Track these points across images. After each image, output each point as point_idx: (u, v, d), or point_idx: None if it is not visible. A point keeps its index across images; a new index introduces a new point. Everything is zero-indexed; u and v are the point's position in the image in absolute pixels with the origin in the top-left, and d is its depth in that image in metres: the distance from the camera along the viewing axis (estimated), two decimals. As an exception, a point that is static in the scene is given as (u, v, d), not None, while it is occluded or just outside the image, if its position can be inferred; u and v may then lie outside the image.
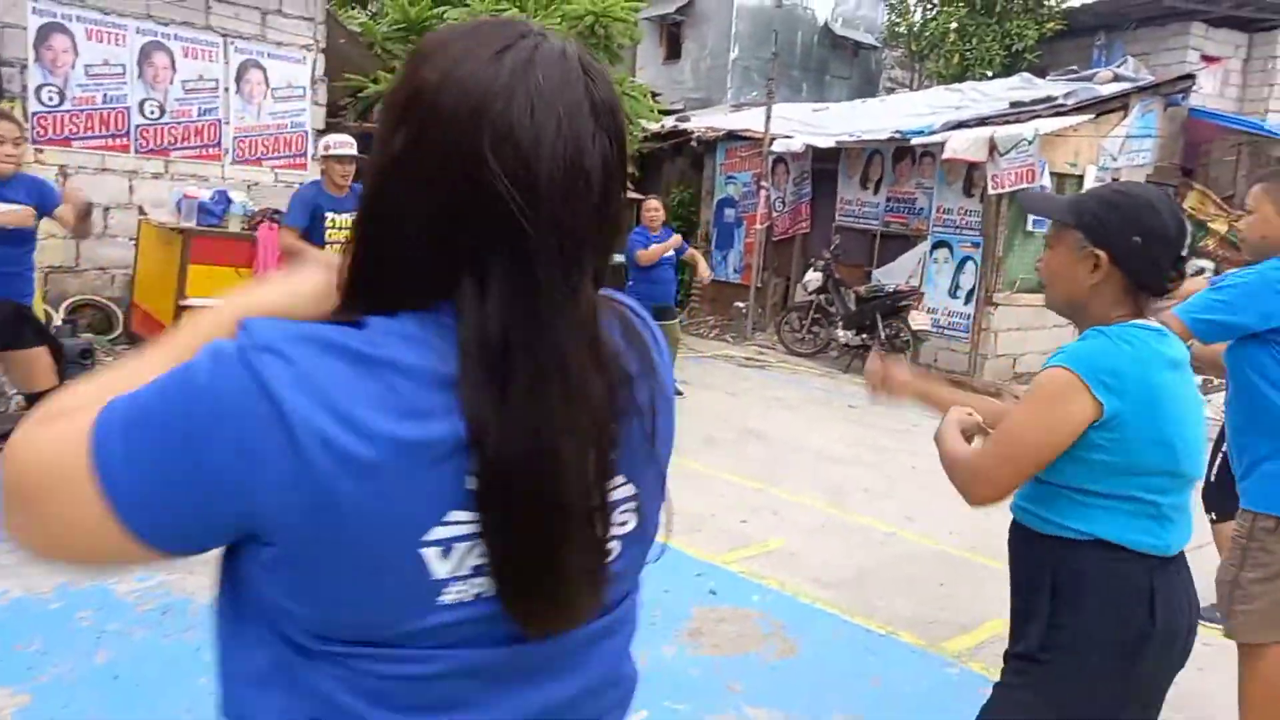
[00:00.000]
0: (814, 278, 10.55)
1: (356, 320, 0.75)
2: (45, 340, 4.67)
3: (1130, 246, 1.72)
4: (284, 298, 0.81)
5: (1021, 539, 1.85)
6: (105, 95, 7.63)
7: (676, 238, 7.63)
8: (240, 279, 6.71)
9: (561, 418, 0.73)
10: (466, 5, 9.61)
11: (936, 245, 10.38)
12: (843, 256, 10.71)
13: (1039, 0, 14.45)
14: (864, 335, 9.91)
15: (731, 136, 12.82)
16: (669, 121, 13.64)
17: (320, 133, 8.25)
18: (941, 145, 9.76)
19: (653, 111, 11.33)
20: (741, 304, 11.94)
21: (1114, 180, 8.53)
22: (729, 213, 13.03)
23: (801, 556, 4.56)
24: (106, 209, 7.71)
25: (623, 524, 0.83)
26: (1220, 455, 3.78)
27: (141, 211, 7.75)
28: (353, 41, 9.81)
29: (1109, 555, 1.71)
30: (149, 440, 0.70)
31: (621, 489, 0.82)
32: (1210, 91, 12.40)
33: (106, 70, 7.61)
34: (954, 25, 15.17)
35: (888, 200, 10.93)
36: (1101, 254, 1.74)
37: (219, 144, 8.24)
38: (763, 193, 11.68)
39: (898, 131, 10.52)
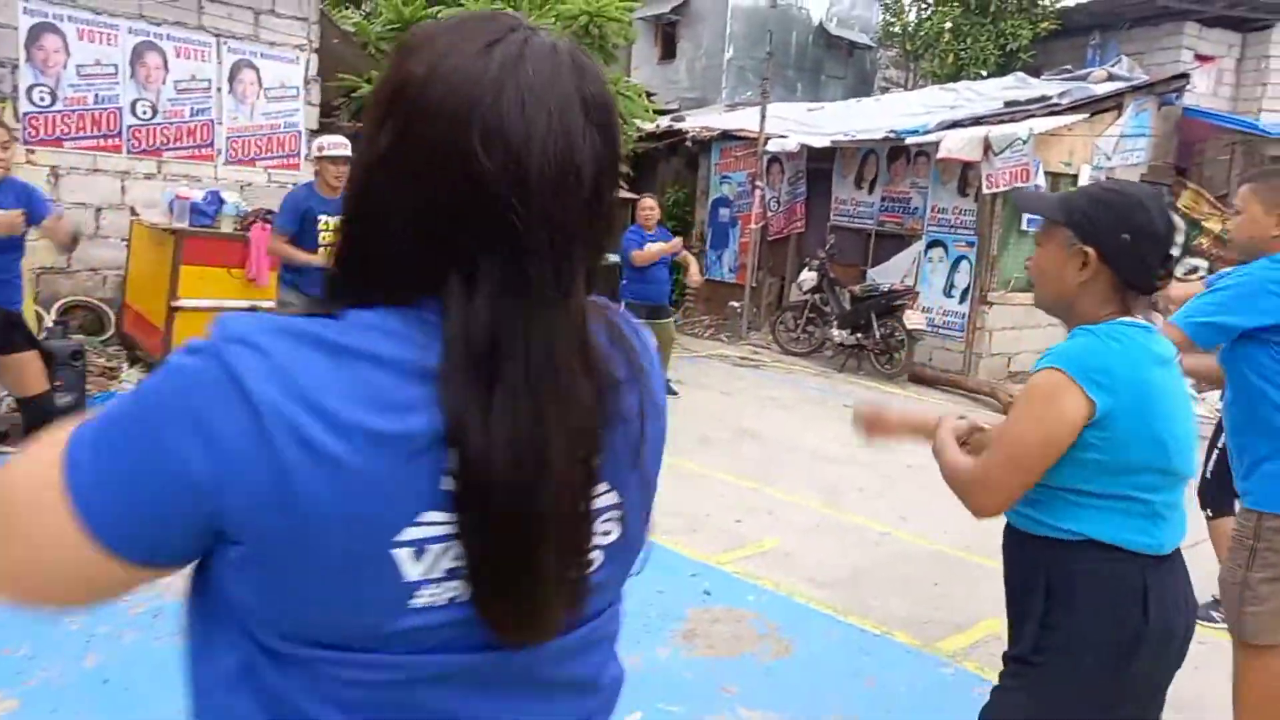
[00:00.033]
0: (809, 277, 10.54)
1: (336, 313, 0.73)
2: (35, 345, 4.77)
3: (1119, 244, 1.72)
4: None
5: (1015, 542, 1.85)
6: (97, 95, 7.58)
7: (678, 240, 7.61)
8: (232, 280, 6.69)
9: (550, 419, 0.72)
10: (460, 4, 9.59)
11: (931, 245, 10.38)
12: (838, 256, 10.71)
13: (1033, 0, 14.47)
14: (859, 335, 9.90)
15: (726, 136, 12.81)
16: (664, 121, 13.62)
17: (314, 133, 8.21)
18: (936, 145, 9.76)
19: (648, 111, 11.31)
20: (736, 303, 11.94)
21: (1107, 179, 8.53)
22: (724, 212, 13.02)
23: (796, 556, 4.55)
24: (98, 210, 7.68)
25: (605, 533, 0.81)
26: (1216, 451, 3.78)
27: (133, 212, 7.70)
28: (346, 41, 9.78)
29: (1102, 555, 1.70)
30: (117, 440, 0.69)
31: (605, 497, 0.80)
32: (1204, 91, 12.41)
33: (98, 70, 7.57)
34: (949, 25, 15.18)
35: (882, 200, 10.93)
36: (1090, 251, 1.74)
37: (212, 144, 8.20)
38: (758, 192, 11.69)
39: (892, 131, 10.52)
